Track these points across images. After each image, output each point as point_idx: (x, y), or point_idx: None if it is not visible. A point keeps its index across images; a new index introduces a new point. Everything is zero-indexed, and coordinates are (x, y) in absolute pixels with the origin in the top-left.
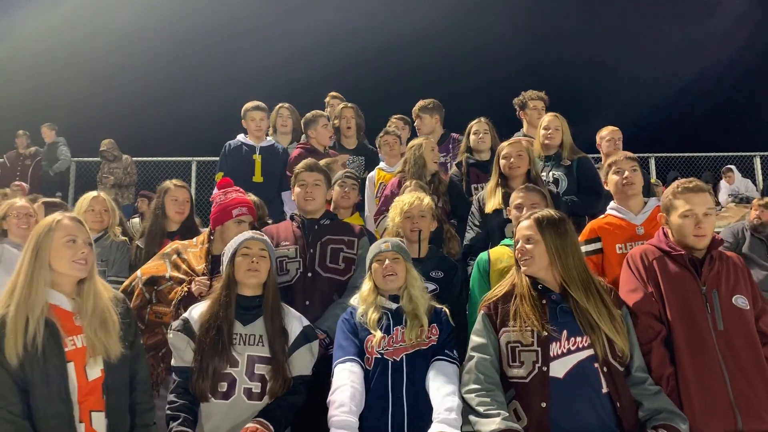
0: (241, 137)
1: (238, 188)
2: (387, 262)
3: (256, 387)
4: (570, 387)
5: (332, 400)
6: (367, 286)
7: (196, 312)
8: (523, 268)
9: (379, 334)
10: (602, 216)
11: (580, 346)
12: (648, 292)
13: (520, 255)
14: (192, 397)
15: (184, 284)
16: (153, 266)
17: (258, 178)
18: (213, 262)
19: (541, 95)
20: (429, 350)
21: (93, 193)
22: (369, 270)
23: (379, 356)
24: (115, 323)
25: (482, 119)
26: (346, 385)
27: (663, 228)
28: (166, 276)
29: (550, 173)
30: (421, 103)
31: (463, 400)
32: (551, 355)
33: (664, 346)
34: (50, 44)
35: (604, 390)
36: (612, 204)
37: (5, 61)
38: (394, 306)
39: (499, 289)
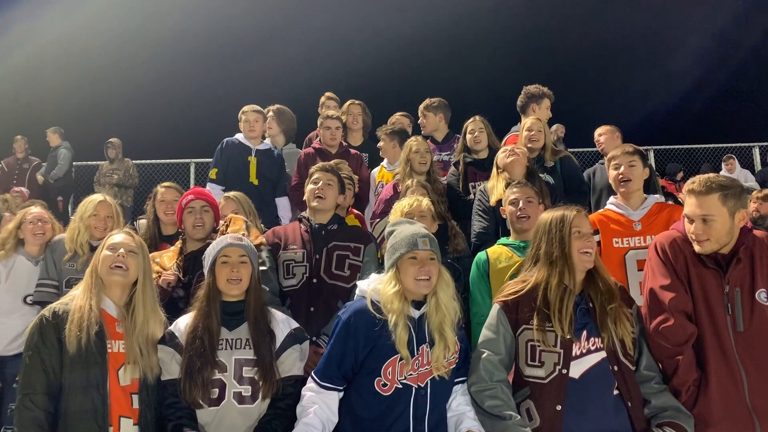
0: (239, 136)
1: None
2: (424, 264)
3: (245, 390)
4: (584, 388)
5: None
6: (393, 288)
7: (182, 323)
8: (586, 264)
9: (408, 364)
10: (602, 209)
11: (599, 346)
12: (683, 286)
13: (588, 250)
14: (187, 404)
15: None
16: None
17: (253, 179)
18: (187, 259)
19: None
20: (453, 372)
21: (99, 197)
22: (393, 267)
23: (401, 386)
24: (156, 344)
25: (477, 118)
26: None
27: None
28: None
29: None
30: (426, 101)
31: (471, 397)
32: (572, 355)
33: (693, 349)
34: (46, 49)
35: (615, 391)
36: (612, 198)
37: (2, 66)
38: (416, 314)
39: (520, 286)
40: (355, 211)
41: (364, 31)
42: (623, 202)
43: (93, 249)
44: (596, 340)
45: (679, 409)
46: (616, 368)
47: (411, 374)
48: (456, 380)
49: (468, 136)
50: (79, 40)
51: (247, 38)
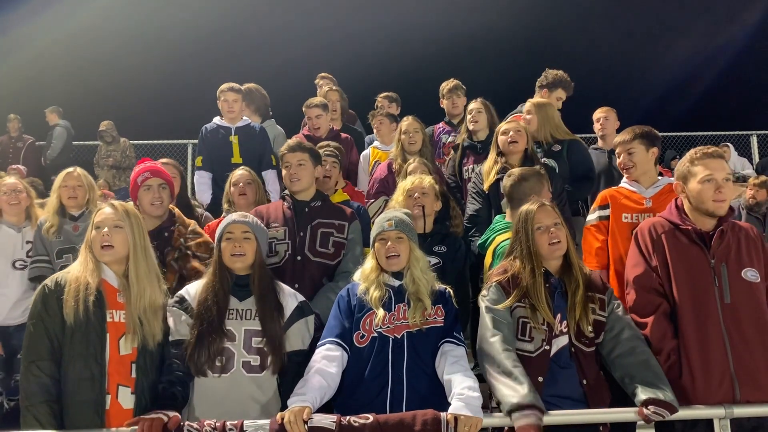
0: (216, 120)
1: (147, 160)
2: (390, 243)
3: (254, 360)
4: (556, 364)
5: (297, 386)
6: (369, 264)
7: (193, 289)
8: (557, 252)
9: (381, 312)
10: (616, 186)
11: (567, 329)
12: (650, 266)
13: (554, 240)
14: (186, 369)
15: None
16: None
17: (237, 159)
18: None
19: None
20: (433, 330)
21: (68, 169)
22: (372, 247)
23: (377, 335)
24: (158, 311)
25: (479, 99)
26: (314, 369)
27: (676, 200)
28: None
29: (542, 160)
30: (456, 82)
31: (483, 352)
32: (553, 334)
33: (667, 319)
34: (48, 31)
35: (575, 368)
36: (625, 177)
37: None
38: (396, 283)
39: (506, 265)
40: (351, 187)
41: (368, 18)
42: (636, 181)
43: (65, 217)
44: (565, 323)
45: (659, 385)
46: (573, 350)
47: (388, 326)
48: (442, 341)
49: (468, 117)
50: (82, 23)
51: (248, 21)
